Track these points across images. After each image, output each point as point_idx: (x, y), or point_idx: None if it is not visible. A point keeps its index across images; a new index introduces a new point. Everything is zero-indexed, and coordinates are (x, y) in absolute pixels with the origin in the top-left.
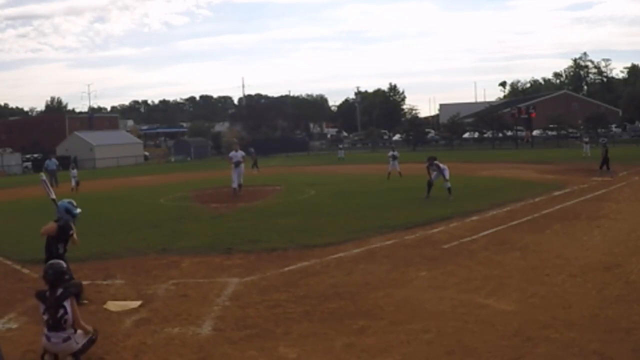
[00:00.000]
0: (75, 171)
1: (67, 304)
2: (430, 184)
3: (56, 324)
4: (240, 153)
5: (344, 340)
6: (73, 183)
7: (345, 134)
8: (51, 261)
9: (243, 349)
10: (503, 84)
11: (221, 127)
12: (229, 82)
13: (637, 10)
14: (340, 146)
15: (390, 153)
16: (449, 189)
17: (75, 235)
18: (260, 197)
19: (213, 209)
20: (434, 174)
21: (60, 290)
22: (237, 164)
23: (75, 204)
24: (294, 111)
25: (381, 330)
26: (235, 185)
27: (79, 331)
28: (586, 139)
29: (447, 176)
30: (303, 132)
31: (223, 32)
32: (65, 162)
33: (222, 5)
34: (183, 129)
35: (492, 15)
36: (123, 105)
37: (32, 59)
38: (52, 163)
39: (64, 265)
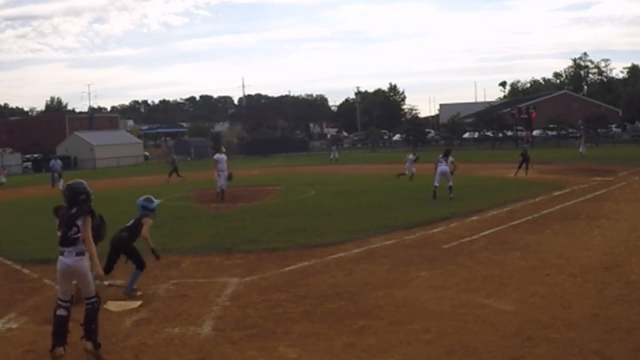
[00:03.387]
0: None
1: (79, 222)
2: (435, 191)
3: (68, 240)
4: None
5: (344, 340)
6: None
7: (345, 134)
8: (71, 182)
9: (243, 349)
10: (503, 84)
11: (221, 127)
12: (229, 82)
13: (635, 10)
14: (334, 147)
15: (411, 156)
16: (450, 187)
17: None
18: (260, 197)
19: (213, 209)
20: (440, 166)
21: (74, 209)
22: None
23: (152, 198)
24: (294, 111)
25: (381, 330)
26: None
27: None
28: (584, 139)
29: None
30: (303, 132)
31: (222, 32)
32: (66, 163)
33: (221, 6)
34: (183, 129)
35: (490, 15)
36: (123, 105)
37: (31, 59)
38: (56, 163)
39: (84, 184)
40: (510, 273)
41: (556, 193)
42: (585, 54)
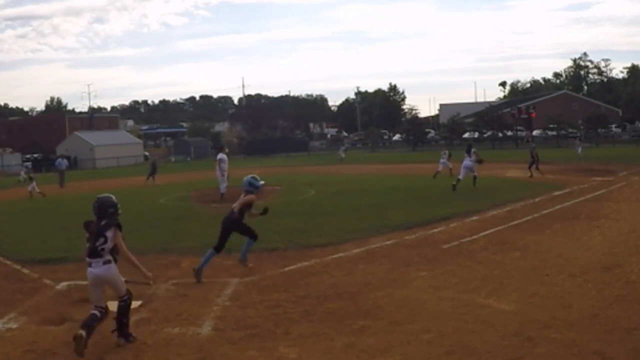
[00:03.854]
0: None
1: (108, 234)
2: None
3: (95, 251)
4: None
5: (344, 340)
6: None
7: (345, 133)
8: (100, 195)
9: (243, 349)
10: (503, 84)
11: (221, 127)
12: (229, 82)
13: (635, 10)
14: (343, 147)
15: (445, 152)
16: (475, 177)
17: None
18: (260, 197)
19: (213, 209)
20: (465, 161)
21: (104, 222)
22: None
23: (258, 177)
24: (294, 111)
25: (381, 330)
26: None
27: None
28: (579, 139)
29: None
30: (303, 132)
31: (222, 32)
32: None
33: (220, 6)
34: (183, 129)
35: (490, 15)
36: (123, 105)
37: (31, 59)
38: (62, 162)
39: (112, 198)
40: (510, 273)
41: (556, 193)
42: (585, 54)
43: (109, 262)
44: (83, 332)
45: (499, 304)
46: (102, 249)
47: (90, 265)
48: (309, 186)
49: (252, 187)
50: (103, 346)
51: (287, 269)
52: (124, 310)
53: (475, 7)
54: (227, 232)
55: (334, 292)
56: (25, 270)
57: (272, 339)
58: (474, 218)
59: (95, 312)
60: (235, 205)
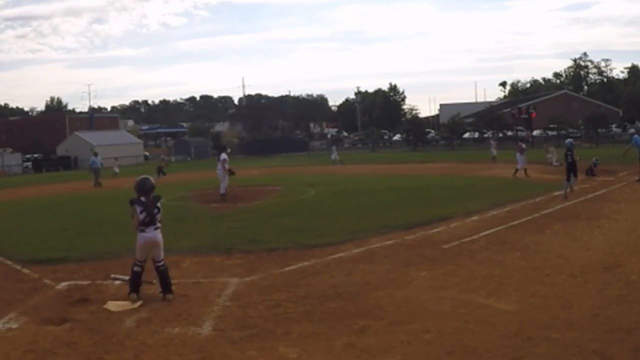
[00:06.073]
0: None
1: (159, 204)
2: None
3: (152, 219)
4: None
5: (344, 340)
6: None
7: (345, 134)
8: (143, 177)
9: (243, 349)
10: (503, 84)
11: (221, 127)
12: (229, 82)
13: (634, 10)
14: (334, 147)
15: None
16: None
17: None
18: (260, 197)
19: (213, 209)
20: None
21: (152, 196)
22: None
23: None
24: (294, 111)
25: (381, 330)
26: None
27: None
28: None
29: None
30: (303, 132)
31: (222, 32)
32: (66, 163)
33: (220, 6)
34: (183, 129)
35: (490, 15)
36: (123, 105)
37: (31, 59)
38: (97, 161)
39: (151, 181)
40: (510, 273)
41: (556, 193)
42: (585, 54)
43: (158, 228)
44: (135, 296)
45: (499, 304)
46: (156, 217)
47: (143, 231)
48: (309, 186)
49: (573, 145)
50: (103, 346)
51: (287, 269)
52: (165, 272)
53: (475, 7)
54: (570, 170)
55: (334, 292)
56: (26, 270)
57: (273, 339)
58: (474, 218)
59: (138, 269)
60: (569, 155)
